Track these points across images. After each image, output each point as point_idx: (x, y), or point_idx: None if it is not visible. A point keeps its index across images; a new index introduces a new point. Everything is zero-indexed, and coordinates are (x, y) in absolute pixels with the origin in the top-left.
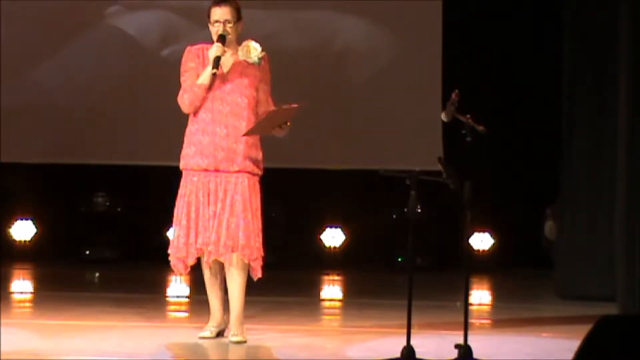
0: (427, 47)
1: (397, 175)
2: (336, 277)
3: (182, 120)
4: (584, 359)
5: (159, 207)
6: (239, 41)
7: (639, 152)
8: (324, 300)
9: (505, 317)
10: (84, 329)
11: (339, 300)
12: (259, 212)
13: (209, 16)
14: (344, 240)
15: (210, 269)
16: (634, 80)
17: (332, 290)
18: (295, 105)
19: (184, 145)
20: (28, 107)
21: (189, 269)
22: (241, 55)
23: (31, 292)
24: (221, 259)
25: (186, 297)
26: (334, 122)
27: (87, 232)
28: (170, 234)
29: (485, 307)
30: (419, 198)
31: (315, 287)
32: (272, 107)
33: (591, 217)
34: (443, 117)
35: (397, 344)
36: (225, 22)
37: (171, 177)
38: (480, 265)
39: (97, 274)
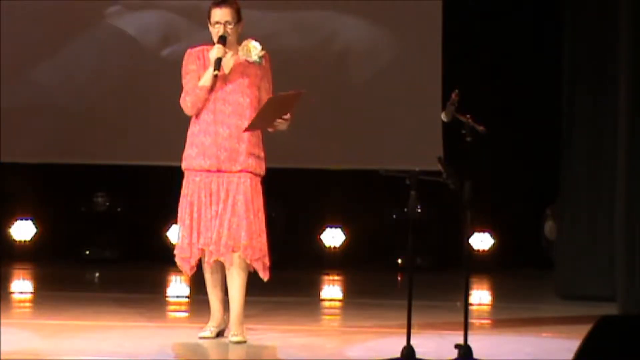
0: (427, 47)
1: (397, 175)
2: (336, 277)
3: (182, 121)
4: (583, 359)
5: (159, 207)
6: (240, 42)
7: (639, 152)
8: (324, 300)
9: (505, 317)
10: (84, 329)
11: (339, 300)
12: (261, 213)
13: (209, 17)
14: (344, 240)
15: (211, 269)
16: (634, 80)
17: (332, 290)
18: (293, 92)
19: (186, 146)
20: (28, 107)
21: (194, 269)
22: (242, 55)
23: (31, 292)
24: (221, 259)
25: (186, 297)
26: (334, 122)
27: (87, 232)
28: (173, 234)
29: (485, 307)
30: (419, 198)
31: (315, 287)
32: None
33: (591, 217)
34: (443, 117)
35: (397, 344)
36: (225, 24)
37: (171, 177)
38: (480, 265)
39: (97, 274)
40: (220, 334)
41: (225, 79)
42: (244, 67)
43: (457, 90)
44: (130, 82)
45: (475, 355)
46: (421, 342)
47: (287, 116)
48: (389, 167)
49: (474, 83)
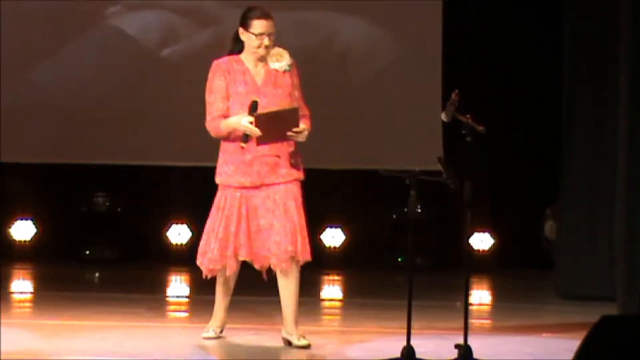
0: (427, 47)
1: (397, 175)
2: (336, 277)
3: (182, 120)
4: (584, 358)
5: (159, 207)
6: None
7: (639, 152)
8: (324, 300)
9: (505, 317)
10: (83, 329)
11: (339, 300)
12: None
13: (246, 27)
14: (344, 240)
15: (228, 279)
16: (634, 80)
17: (332, 290)
18: (287, 109)
19: (221, 161)
20: (28, 107)
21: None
22: (271, 63)
23: (31, 292)
24: (281, 266)
25: (186, 297)
26: (334, 122)
27: (87, 232)
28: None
29: (486, 307)
30: (419, 198)
31: (315, 287)
32: (305, 112)
33: (591, 217)
34: (443, 117)
35: (397, 344)
36: (269, 35)
37: (171, 177)
38: (481, 265)
39: (97, 274)
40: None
41: (259, 91)
42: (275, 77)
43: (457, 90)
44: (130, 82)
45: (475, 355)
46: (421, 342)
47: (301, 129)
48: (389, 167)
49: (474, 83)
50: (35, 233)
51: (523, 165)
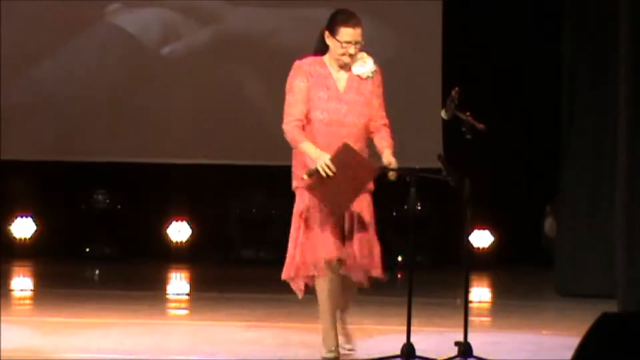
0: (427, 46)
1: (398, 172)
2: None
3: (182, 119)
4: (584, 356)
5: (158, 204)
6: None
7: (639, 152)
8: None
9: (505, 314)
10: (84, 327)
11: None
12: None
13: (333, 33)
14: None
15: (331, 280)
16: (634, 79)
17: None
18: (370, 169)
19: (297, 165)
20: (28, 105)
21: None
22: (355, 70)
23: (31, 290)
24: (349, 274)
25: (186, 294)
26: None
27: (87, 229)
28: (172, 231)
29: (486, 305)
30: (419, 195)
31: None
32: (385, 121)
33: (591, 215)
34: (443, 114)
35: (397, 342)
36: (356, 44)
37: (171, 175)
38: (481, 262)
39: (97, 272)
40: None
41: (340, 99)
42: (357, 84)
43: (457, 88)
44: (130, 80)
45: (475, 353)
46: (421, 340)
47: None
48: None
49: (474, 82)
50: (36, 230)
51: (523, 163)
